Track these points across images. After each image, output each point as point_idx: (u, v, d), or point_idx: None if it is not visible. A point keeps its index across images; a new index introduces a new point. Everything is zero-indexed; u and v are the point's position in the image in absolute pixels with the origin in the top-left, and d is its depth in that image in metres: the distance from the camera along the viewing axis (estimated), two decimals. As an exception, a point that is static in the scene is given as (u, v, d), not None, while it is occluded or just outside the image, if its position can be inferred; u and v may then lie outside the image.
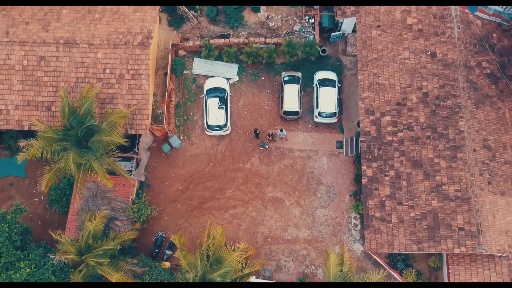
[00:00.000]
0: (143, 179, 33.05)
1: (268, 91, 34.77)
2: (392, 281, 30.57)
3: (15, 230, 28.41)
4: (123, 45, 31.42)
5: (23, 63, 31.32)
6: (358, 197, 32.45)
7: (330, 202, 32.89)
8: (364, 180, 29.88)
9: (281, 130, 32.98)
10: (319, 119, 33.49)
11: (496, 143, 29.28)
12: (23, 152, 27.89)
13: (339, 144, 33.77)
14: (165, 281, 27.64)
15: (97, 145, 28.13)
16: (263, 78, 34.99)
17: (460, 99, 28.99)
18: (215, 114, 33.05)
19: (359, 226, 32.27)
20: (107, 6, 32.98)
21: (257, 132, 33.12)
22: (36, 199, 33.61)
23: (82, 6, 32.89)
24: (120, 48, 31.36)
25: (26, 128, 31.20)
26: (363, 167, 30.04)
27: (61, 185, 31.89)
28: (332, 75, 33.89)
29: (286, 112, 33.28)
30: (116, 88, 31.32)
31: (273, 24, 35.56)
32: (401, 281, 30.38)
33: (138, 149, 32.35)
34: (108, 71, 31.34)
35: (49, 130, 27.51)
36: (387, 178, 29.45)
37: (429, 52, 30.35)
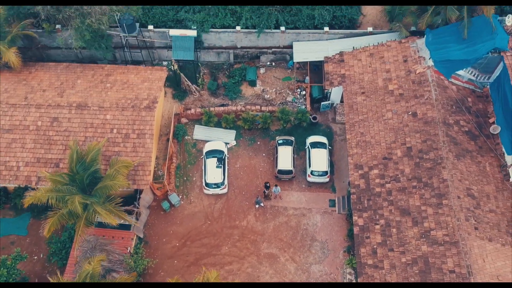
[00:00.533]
0: (141, 235, 33.98)
1: (264, 154, 37.03)
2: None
3: (13, 275, 28.90)
4: (131, 108, 34.38)
5: (37, 123, 34.01)
6: (351, 252, 33.05)
7: (324, 258, 33.42)
8: (355, 229, 30.86)
9: (276, 186, 34.65)
10: (311, 178, 35.29)
11: (479, 192, 30.78)
12: (30, 196, 29.37)
13: (332, 203, 35.20)
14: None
15: (101, 192, 29.77)
16: (259, 143, 37.47)
17: (442, 152, 31.09)
18: (213, 172, 34.97)
19: (354, 282, 32.42)
20: (118, 77, 36.55)
21: (268, 185, 34.62)
22: (36, 257, 34.18)
23: (95, 77, 36.52)
24: (127, 111, 34.26)
25: (33, 184, 32.90)
26: (354, 217, 31.20)
27: (62, 238, 32.85)
28: (323, 139, 36.41)
29: (280, 171, 35.21)
30: (122, 146, 33.60)
31: (268, 96, 38.93)
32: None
33: (138, 204, 33.71)
34: (115, 131, 33.88)
35: (57, 174, 29.28)
36: (377, 226, 30.48)
37: (410, 112, 33.13)
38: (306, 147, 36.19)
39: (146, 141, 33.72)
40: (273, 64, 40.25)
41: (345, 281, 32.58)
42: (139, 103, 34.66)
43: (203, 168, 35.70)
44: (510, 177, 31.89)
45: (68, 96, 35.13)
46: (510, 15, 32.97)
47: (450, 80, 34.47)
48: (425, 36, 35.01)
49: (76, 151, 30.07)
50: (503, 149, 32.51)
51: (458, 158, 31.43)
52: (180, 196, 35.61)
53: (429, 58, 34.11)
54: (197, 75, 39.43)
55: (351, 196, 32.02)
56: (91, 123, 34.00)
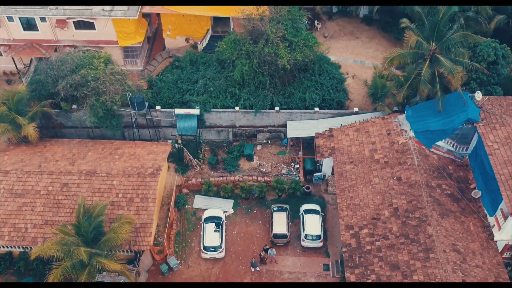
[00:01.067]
0: (139, 297, 34.66)
1: (260, 222, 38.85)
2: None
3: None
4: (136, 174, 37.04)
5: (48, 188, 36.47)
6: (346, 313, 33.47)
7: (319, 320, 33.74)
8: (348, 285, 31.79)
9: (271, 249, 35.98)
10: (306, 243, 36.74)
11: (465, 248, 32.18)
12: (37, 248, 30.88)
13: (326, 267, 36.26)
14: None
15: (104, 246, 31.37)
16: (255, 211, 39.48)
17: (426, 210, 33.06)
18: (211, 236, 36.55)
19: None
20: (126, 150, 39.70)
21: (267, 248, 36.05)
22: (33, 321, 34.56)
23: (104, 150, 39.65)
24: (133, 177, 36.89)
25: (39, 245, 34.40)
26: (347, 274, 32.24)
27: (62, 297, 33.51)
28: (316, 207, 38.52)
29: (275, 235, 36.79)
30: (125, 210, 35.67)
31: (264, 169, 41.74)
32: None
33: (138, 265, 34.84)
34: (120, 195, 36.21)
35: (64, 225, 31.11)
36: (369, 281, 31.42)
37: (395, 177, 35.66)
38: (300, 213, 38.13)
39: (148, 204, 35.87)
40: (269, 141, 43.66)
41: None
42: (144, 171, 37.38)
43: (202, 233, 37.32)
44: (494, 237, 33.46)
45: (79, 165, 37.97)
46: (478, 91, 36.97)
47: (431, 150, 37.49)
48: (405, 112, 38.76)
49: (83, 205, 32.17)
50: (485, 211, 34.45)
51: (442, 216, 33.31)
52: (179, 261, 36.75)
53: (410, 130, 37.49)
54: (199, 151, 42.60)
55: (343, 254, 33.33)
56: (98, 188, 36.43)
